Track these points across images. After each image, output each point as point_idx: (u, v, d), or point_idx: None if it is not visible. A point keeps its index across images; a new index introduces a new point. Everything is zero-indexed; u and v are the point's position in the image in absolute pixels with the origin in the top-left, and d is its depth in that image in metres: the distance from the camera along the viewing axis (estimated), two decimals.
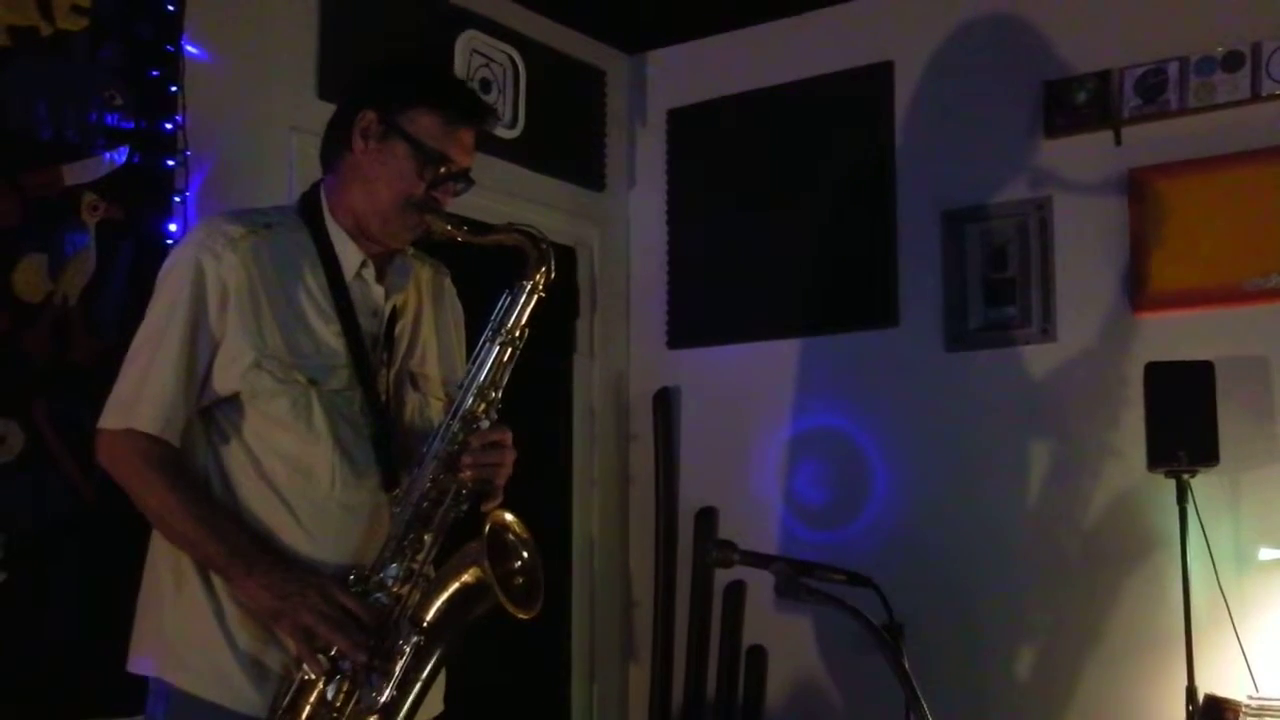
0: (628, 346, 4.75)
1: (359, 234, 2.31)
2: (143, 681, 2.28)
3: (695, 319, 4.60)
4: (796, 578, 2.32)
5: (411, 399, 2.37)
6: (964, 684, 3.89)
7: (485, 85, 4.14)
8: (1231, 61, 3.66)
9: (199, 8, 3.30)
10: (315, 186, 2.37)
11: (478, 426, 2.20)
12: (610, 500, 4.64)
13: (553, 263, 2.26)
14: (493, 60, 4.17)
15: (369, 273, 2.32)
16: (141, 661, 2.26)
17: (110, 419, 2.20)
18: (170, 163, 3.20)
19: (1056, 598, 3.82)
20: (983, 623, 3.93)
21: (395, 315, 2.35)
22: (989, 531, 3.94)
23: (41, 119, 2.97)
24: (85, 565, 2.96)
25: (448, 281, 2.52)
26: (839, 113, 4.36)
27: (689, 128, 4.69)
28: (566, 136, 4.53)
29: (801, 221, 4.39)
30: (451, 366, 2.46)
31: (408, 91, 2.30)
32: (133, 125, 3.14)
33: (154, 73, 3.19)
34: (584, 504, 4.58)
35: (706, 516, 4.42)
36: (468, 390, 2.22)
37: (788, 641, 4.22)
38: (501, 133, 4.18)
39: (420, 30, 3.96)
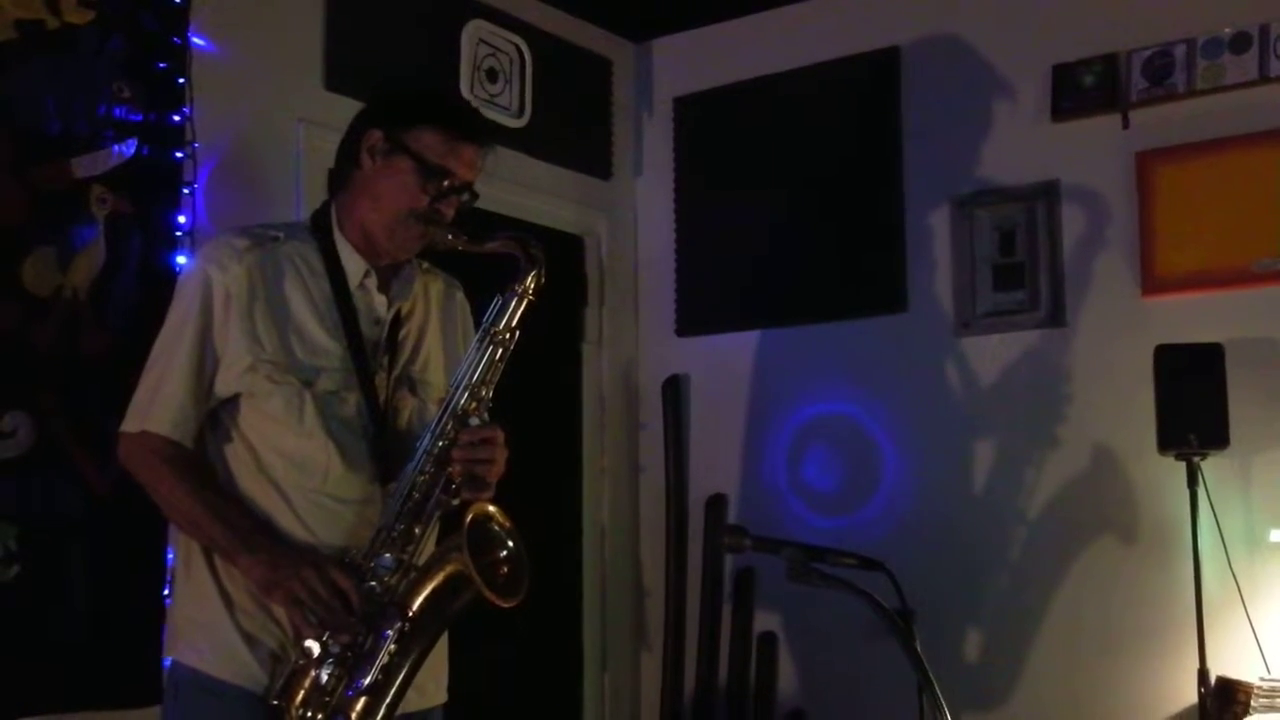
0: (636, 335, 4.75)
1: (366, 247, 2.44)
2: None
3: (704, 307, 4.60)
4: (808, 562, 2.32)
5: (410, 402, 2.47)
6: (976, 667, 3.90)
7: (492, 75, 4.14)
8: (1239, 43, 3.65)
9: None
10: (326, 204, 2.50)
11: (469, 423, 2.31)
12: (620, 489, 4.65)
13: (543, 269, 2.36)
14: (499, 50, 4.17)
15: (371, 282, 2.44)
16: (167, 648, 2.43)
17: (129, 423, 2.37)
18: (178, 155, 3.20)
19: (1067, 581, 3.82)
20: (994, 606, 3.93)
21: (399, 322, 2.47)
22: (999, 516, 3.94)
23: (49, 113, 2.97)
24: (97, 558, 2.96)
25: (460, 295, 2.64)
26: (846, 99, 4.35)
27: (695, 115, 4.68)
28: (573, 125, 4.52)
29: (809, 208, 4.38)
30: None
31: (412, 111, 2.43)
32: (140, 118, 3.14)
33: (161, 65, 3.19)
34: (594, 493, 4.59)
35: (716, 504, 4.42)
36: (460, 388, 2.33)
37: (799, 628, 4.22)
38: (508, 122, 4.18)
39: (426, 20, 3.95)
